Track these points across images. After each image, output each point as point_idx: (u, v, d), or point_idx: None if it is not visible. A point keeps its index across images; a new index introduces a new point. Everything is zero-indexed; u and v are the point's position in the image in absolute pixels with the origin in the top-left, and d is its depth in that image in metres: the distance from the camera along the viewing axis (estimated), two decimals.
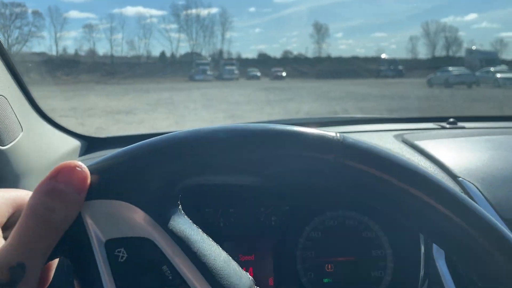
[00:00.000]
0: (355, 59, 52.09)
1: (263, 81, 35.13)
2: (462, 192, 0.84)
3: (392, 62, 44.42)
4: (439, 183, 0.37)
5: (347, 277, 0.85)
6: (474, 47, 40.63)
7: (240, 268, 0.39)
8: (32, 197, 0.34)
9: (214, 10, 68.54)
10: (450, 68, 26.09)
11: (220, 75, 38.47)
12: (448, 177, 0.89)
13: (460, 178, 0.88)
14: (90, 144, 1.35)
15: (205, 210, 0.88)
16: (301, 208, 0.87)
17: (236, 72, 38.80)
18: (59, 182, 0.34)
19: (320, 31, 60.25)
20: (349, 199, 0.86)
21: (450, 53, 52.46)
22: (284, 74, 38.52)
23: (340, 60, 51.47)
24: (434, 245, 0.78)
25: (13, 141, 0.89)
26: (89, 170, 0.36)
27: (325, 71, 43.97)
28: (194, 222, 0.87)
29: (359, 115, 1.59)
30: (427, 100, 15.82)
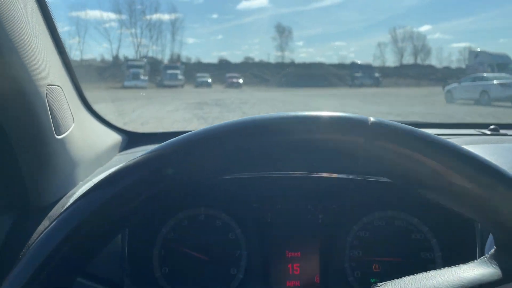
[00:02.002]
0: (322, 65, 44.75)
1: (214, 89, 29.34)
2: None
3: (368, 68, 38.49)
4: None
5: (394, 278, 0.84)
6: (479, 49, 32.04)
7: None
8: None
9: (174, 15, 66.38)
10: (487, 75, 17.32)
11: (161, 81, 32.09)
12: None
13: None
14: (130, 139, 1.37)
15: (252, 205, 0.89)
16: (350, 207, 0.87)
17: (181, 77, 32.10)
18: None
19: (283, 34, 53.71)
20: (398, 199, 0.86)
21: (419, 61, 48.45)
22: (241, 81, 32.36)
23: (306, 66, 43.45)
24: (487, 248, 0.77)
25: (66, 131, 0.92)
26: None
27: (290, 78, 37.69)
28: (241, 217, 0.88)
29: (397, 120, 1.58)
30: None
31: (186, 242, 0.86)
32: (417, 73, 39.38)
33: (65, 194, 0.93)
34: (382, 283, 0.43)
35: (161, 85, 30.69)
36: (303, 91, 25.25)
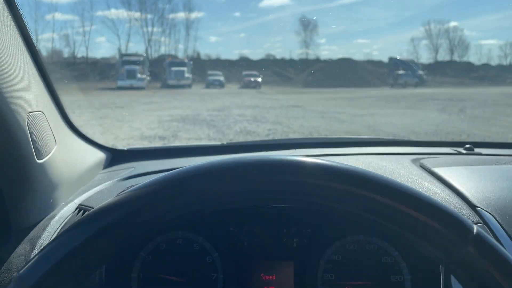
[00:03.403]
0: (356, 62, 36.45)
1: (226, 90, 24.15)
2: (480, 223, 0.86)
3: (410, 65, 30.76)
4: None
5: None
6: None
7: None
8: None
9: (199, 14, 65.70)
10: None
11: (165, 80, 26.61)
12: (466, 206, 0.91)
13: (479, 208, 0.90)
14: (114, 156, 1.39)
15: (229, 230, 0.91)
16: (323, 231, 0.90)
17: (188, 75, 26.15)
18: None
19: (308, 28, 45.23)
20: (370, 224, 0.89)
21: (455, 57, 42.04)
22: (259, 79, 26.23)
23: (336, 62, 34.43)
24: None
25: (48, 154, 0.94)
26: None
27: (318, 77, 30.62)
28: (218, 241, 0.90)
29: (375, 137, 1.61)
30: None
31: (164, 266, 0.88)
32: (455, 70, 34.12)
33: (46, 216, 0.95)
34: None
35: (164, 86, 25.69)
36: (338, 93, 19.97)
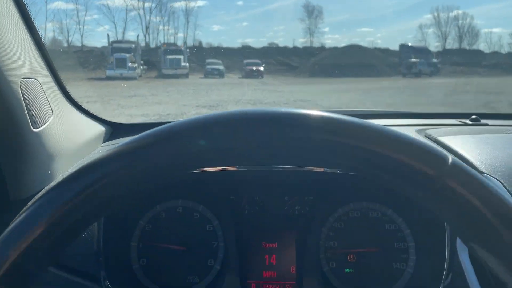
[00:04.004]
0: (365, 49, 34.06)
1: (226, 80, 22.17)
2: None
3: (423, 52, 28.00)
4: None
5: (368, 268, 0.86)
6: None
7: None
8: None
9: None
10: None
11: (160, 69, 24.37)
12: None
13: (486, 175, 0.88)
14: (114, 130, 1.37)
15: (230, 198, 0.90)
16: (325, 199, 0.88)
17: (184, 64, 24.13)
18: None
19: (312, 15, 43.13)
20: (373, 191, 0.87)
21: (464, 45, 38.73)
22: (262, 68, 24.65)
23: (344, 50, 32.11)
24: (458, 239, 0.79)
25: (44, 124, 0.92)
26: None
27: (325, 66, 28.29)
28: (219, 209, 0.89)
29: (380, 110, 1.58)
30: None
31: (164, 235, 0.87)
32: (464, 59, 30.92)
33: (45, 187, 0.94)
34: None
35: (159, 76, 23.50)
36: (348, 83, 17.73)
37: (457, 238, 0.78)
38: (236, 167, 0.84)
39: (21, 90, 0.81)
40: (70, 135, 1.07)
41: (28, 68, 0.86)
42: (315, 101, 11.81)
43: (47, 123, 0.93)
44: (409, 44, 30.48)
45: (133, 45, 25.25)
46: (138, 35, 35.50)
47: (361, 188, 0.87)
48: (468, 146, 1.02)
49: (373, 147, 0.41)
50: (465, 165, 0.41)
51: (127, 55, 21.72)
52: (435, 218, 0.79)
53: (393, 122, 1.39)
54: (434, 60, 26.72)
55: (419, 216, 0.84)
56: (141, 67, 23.16)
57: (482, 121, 1.38)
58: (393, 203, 0.86)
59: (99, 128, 1.30)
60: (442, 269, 0.78)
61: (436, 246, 0.81)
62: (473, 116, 1.39)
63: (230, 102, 11.77)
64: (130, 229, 0.86)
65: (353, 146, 0.41)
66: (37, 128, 0.88)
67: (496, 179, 0.86)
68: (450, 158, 0.41)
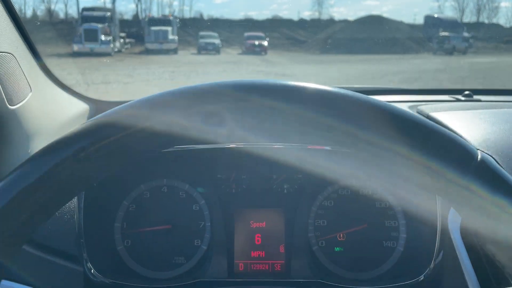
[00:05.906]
0: (387, 20, 27.95)
1: (222, 57, 18.20)
2: None
3: (454, 25, 23.13)
4: None
5: (358, 247, 0.84)
6: None
7: None
8: None
9: None
10: None
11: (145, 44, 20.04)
12: None
13: (478, 150, 0.86)
14: (98, 107, 1.33)
15: (217, 176, 0.87)
16: (315, 177, 0.86)
17: (172, 37, 19.80)
18: None
19: None
20: (364, 169, 0.85)
21: (482, 19, 31.97)
22: (265, 43, 20.28)
23: (362, 21, 26.22)
24: (450, 218, 0.77)
25: (22, 101, 0.88)
26: None
27: (338, 40, 23.14)
28: (205, 188, 0.86)
29: (371, 86, 1.55)
30: None
31: (149, 215, 0.84)
32: (485, 34, 26.09)
33: None
34: None
35: (145, 51, 19.45)
36: (373, 62, 14.06)
37: (448, 216, 0.77)
38: (223, 145, 0.81)
39: None
40: (50, 113, 1.03)
41: (3, 42, 0.81)
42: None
43: (25, 100, 0.89)
44: (435, 15, 25.48)
45: (108, 13, 20.00)
46: (114, 1, 27.85)
47: (351, 166, 0.85)
48: (460, 122, 1.00)
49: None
50: (493, 162, 0.39)
51: (99, 25, 17.36)
52: (426, 195, 0.77)
53: (386, 98, 1.36)
54: (466, 35, 21.93)
55: (410, 193, 0.82)
56: (121, 40, 19.30)
57: (475, 97, 1.35)
58: (383, 181, 0.84)
59: (83, 106, 1.26)
60: (433, 247, 0.76)
61: (427, 223, 0.79)
62: (466, 92, 1.37)
63: None
64: (113, 210, 0.83)
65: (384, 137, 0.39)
66: (14, 105, 0.84)
67: (488, 154, 0.84)
68: (480, 154, 0.39)
